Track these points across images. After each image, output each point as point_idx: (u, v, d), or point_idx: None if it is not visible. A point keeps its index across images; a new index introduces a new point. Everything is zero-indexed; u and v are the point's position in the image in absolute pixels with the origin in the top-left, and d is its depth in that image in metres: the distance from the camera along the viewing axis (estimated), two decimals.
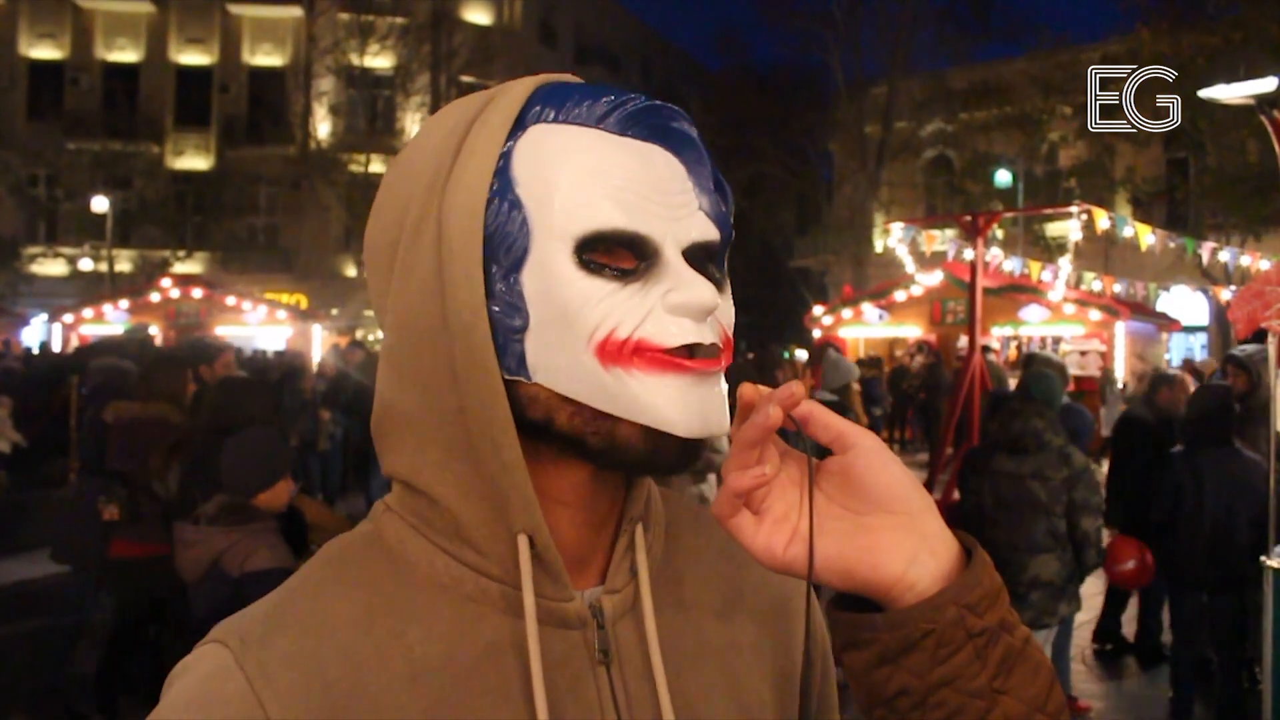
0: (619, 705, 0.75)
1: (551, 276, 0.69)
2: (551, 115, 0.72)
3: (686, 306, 0.70)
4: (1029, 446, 4.44)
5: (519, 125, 0.72)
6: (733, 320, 0.76)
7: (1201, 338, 23.36)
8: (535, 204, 0.70)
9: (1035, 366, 5.95)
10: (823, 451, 0.69)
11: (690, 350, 0.70)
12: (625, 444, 0.70)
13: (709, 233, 0.74)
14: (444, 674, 0.70)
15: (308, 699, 0.68)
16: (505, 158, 0.71)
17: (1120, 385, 13.98)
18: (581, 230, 0.69)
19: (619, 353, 0.69)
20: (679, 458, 0.71)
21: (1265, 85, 7.57)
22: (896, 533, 0.66)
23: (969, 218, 8.67)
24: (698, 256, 0.74)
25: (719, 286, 0.75)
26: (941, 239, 13.63)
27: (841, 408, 6.22)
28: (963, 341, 11.63)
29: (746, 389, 0.68)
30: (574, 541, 0.77)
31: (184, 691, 0.69)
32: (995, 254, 14.08)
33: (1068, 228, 13.49)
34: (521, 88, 0.74)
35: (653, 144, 0.73)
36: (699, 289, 0.70)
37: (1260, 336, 5.34)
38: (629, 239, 0.70)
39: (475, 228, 0.70)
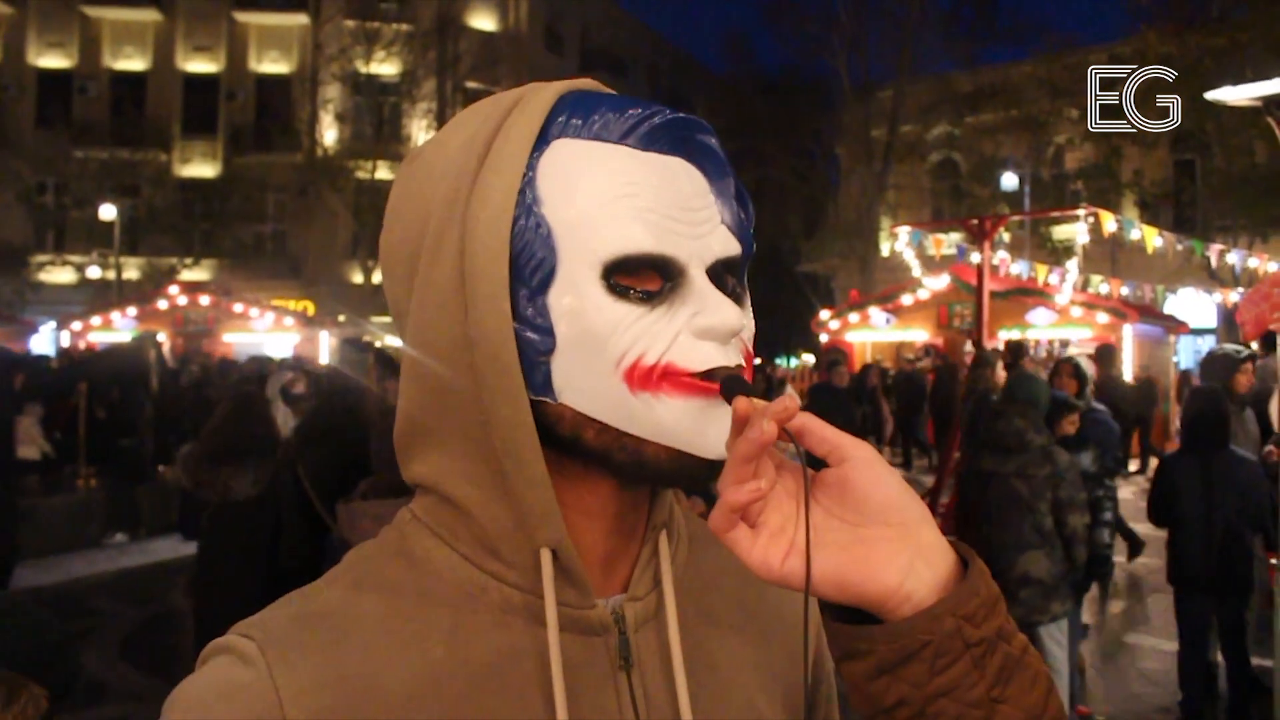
0: (638, 710, 0.75)
1: (580, 301, 0.69)
2: (576, 128, 0.72)
3: (714, 330, 0.71)
4: (1011, 446, 4.51)
5: (542, 137, 0.72)
6: (753, 334, 0.77)
7: (1209, 340, 23.29)
8: (562, 225, 0.70)
9: (1020, 370, 5.98)
10: (818, 464, 0.69)
11: (713, 372, 0.71)
12: (652, 462, 0.71)
13: (731, 247, 0.75)
14: (463, 677, 0.71)
15: (324, 697, 0.68)
16: (529, 173, 0.71)
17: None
18: (610, 254, 0.69)
19: (647, 378, 0.69)
20: (704, 474, 0.72)
21: (1272, 86, 7.52)
22: (893, 544, 0.66)
23: (975, 221, 8.66)
24: (719, 272, 0.74)
25: (739, 300, 0.76)
26: (948, 243, 13.61)
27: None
28: (969, 346, 11.60)
29: (741, 403, 0.68)
30: (599, 551, 0.77)
31: (208, 674, 0.70)
32: (1002, 256, 14.05)
33: (1075, 231, 13.45)
34: (545, 96, 0.74)
35: (675, 157, 0.73)
36: (725, 312, 0.71)
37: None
38: (656, 261, 0.70)
39: (501, 248, 0.70)
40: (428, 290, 0.72)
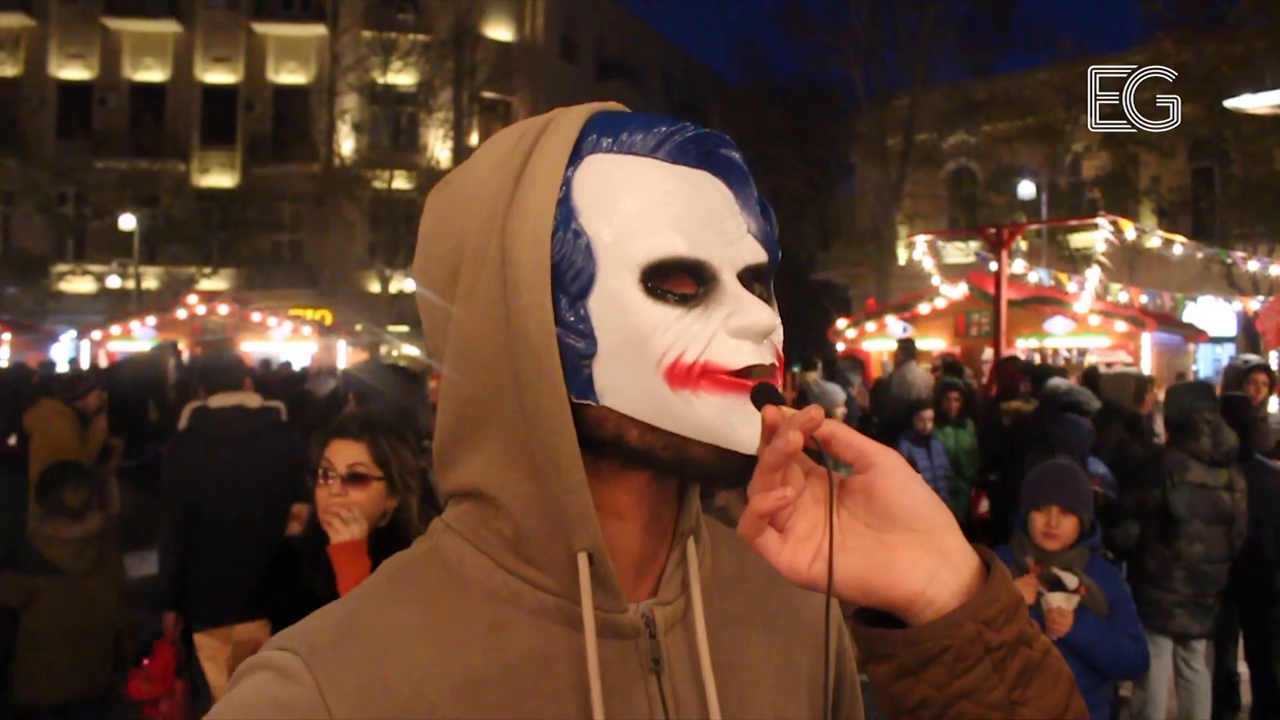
0: (668, 712, 0.77)
1: (621, 304, 0.71)
2: (607, 144, 0.74)
3: (749, 329, 0.73)
4: (1225, 458, 4.52)
5: (575, 154, 0.74)
6: (782, 337, 0.79)
7: (1229, 349, 23.10)
8: (600, 233, 0.72)
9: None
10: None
11: (749, 370, 0.73)
12: (697, 460, 0.73)
13: (759, 255, 0.77)
14: (501, 683, 0.73)
15: (372, 706, 0.70)
16: (565, 187, 0.73)
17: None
18: (648, 258, 0.71)
19: (687, 376, 0.71)
20: (744, 471, 0.73)
21: None
22: (917, 550, 0.68)
23: (993, 230, 8.64)
24: (747, 279, 0.76)
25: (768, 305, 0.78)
26: (965, 251, 13.57)
27: None
28: (988, 354, 11.56)
29: (770, 411, 0.70)
30: (632, 555, 0.79)
31: (252, 690, 0.71)
32: (1020, 265, 14.00)
33: (1093, 239, 13.39)
34: (576, 116, 0.77)
35: (703, 171, 0.75)
36: (759, 312, 0.73)
37: None
38: (691, 265, 0.72)
39: (543, 257, 0.72)
40: (470, 303, 0.74)
